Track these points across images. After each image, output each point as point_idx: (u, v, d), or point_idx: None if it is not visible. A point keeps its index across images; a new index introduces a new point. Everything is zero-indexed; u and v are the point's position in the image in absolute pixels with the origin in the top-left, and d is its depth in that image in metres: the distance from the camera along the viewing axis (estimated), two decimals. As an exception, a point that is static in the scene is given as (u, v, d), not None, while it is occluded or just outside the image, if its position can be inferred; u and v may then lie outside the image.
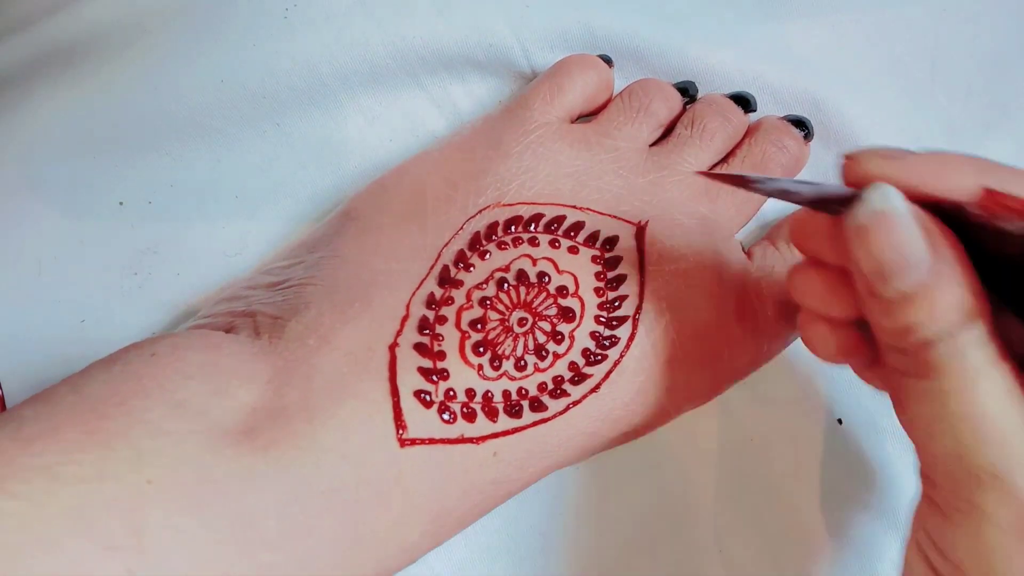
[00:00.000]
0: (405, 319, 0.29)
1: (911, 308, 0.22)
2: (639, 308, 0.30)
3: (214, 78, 0.35)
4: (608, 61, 0.35)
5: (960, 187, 0.23)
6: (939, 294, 0.22)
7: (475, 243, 0.31)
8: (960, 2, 0.37)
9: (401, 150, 0.36)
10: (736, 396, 0.36)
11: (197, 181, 0.35)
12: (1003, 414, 0.22)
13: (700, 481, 0.36)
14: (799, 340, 0.34)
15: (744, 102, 0.36)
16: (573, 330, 0.30)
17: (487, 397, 0.29)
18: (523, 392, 0.29)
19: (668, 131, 0.35)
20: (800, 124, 0.35)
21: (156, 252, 0.35)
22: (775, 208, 0.36)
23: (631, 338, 0.30)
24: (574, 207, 0.32)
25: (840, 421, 0.35)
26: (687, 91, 0.36)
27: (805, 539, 0.35)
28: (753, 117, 0.36)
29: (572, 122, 0.34)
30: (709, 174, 0.32)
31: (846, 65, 0.37)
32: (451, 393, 0.29)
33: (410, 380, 0.28)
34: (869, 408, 0.35)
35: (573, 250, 0.31)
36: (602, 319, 0.30)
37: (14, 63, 0.36)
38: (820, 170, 0.36)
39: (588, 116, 0.35)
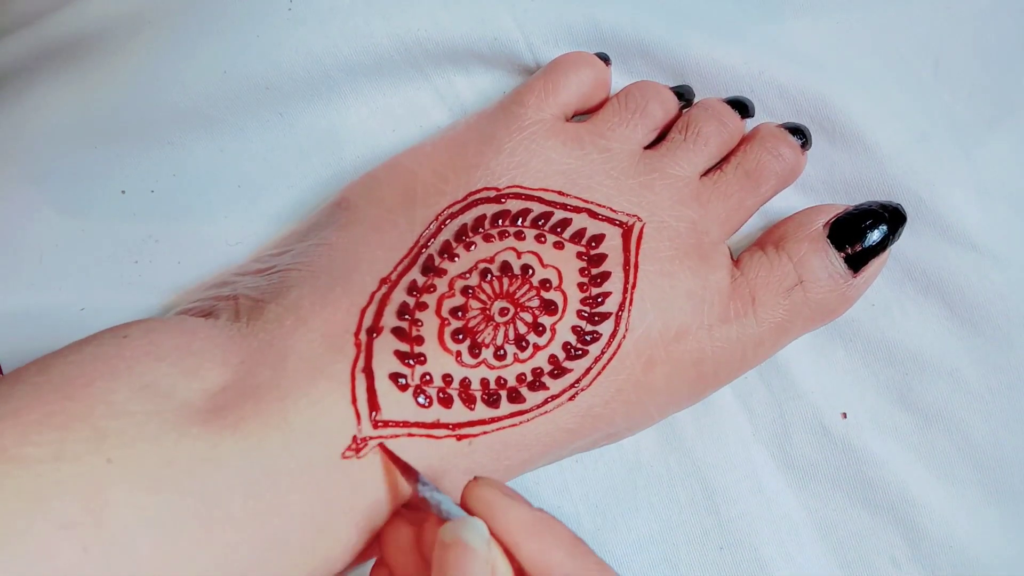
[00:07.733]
0: (385, 304, 0.29)
1: None
2: (622, 306, 0.30)
3: (217, 68, 0.35)
4: (605, 59, 0.35)
5: (550, 563, 0.25)
6: None
7: (461, 234, 0.31)
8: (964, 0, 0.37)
9: (404, 141, 0.36)
10: (737, 394, 0.35)
11: (199, 170, 0.36)
12: None
13: (700, 480, 0.35)
14: (797, 339, 0.34)
15: (741, 107, 0.35)
16: (555, 323, 0.30)
17: (464, 384, 0.29)
18: (501, 381, 0.29)
19: (663, 135, 0.35)
20: (797, 132, 0.35)
21: (157, 240, 0.35)
22: (764, 216, 0.35)
23: (613, 335, 0.30)
24: (564, 206, 0.31)
25: (844, 415, 0.35)
26: (684, 95, 0.35)
27: (805, 537, 0.35)
28: (755, 116, 0.35)
29: (567, 120, 0.34)
30: (393, 455, 0.28)
31: (850, 62, 0.36)
32: (427, 377, 0.28)
33: (386, 363, 0.28)
34: (872, 405, 0.35)
35: (559, 245, 0.31)
36: (584, 314, 0.30)
37: (20, 55, 0.37)
38: (825, 167, 0.36)
39: (584, 115, 0.35)
